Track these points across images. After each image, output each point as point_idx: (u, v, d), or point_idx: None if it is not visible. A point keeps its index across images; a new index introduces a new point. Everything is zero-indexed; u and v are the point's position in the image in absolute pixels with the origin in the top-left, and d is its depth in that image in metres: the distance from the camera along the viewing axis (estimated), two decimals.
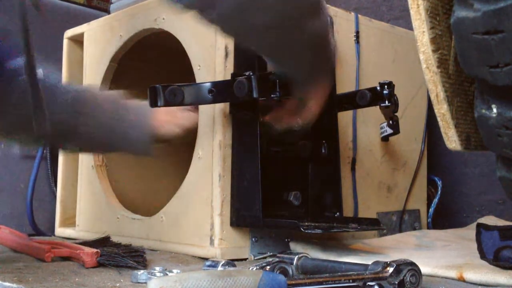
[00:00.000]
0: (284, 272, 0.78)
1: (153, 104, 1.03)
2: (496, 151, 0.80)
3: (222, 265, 0.77)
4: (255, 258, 1.11)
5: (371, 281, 0.71)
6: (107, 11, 1.64)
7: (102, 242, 1.15)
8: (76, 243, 1.12)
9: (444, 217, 1.63)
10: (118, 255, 0.99)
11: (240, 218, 1.09)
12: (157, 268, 0.77)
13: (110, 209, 1.36)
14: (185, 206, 1.16)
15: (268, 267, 0.78)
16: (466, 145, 0.83)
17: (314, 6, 0.75)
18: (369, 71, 1.36)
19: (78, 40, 1.55)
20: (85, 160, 1.43)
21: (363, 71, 1.35)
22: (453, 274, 0.89)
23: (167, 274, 0.79)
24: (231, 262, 0.78)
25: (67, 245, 1.08)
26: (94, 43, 1.47)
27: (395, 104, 1.16)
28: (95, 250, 1.00)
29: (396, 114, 1.22)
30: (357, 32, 1.34)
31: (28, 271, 0.92)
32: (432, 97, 0.81)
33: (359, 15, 1.36)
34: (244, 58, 1.09)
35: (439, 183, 1.58)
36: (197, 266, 1.02)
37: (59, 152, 1.24)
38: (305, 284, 0.67)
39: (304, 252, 0.89)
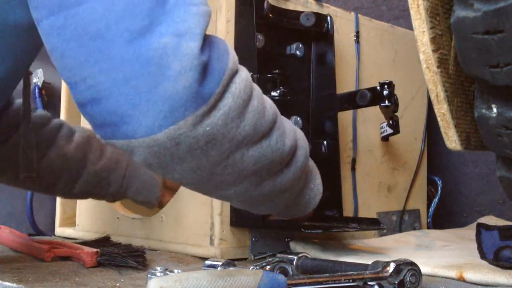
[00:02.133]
0: (284, 272, 0.78)
1: None
2: (496, 151, 0.80)
3: (222, 264, 0.77)
4: (255, 258, 1.11)
5: (371, 281, 0.71)
6: None
7: (102, 242, 1.15)
8: (76, 243, 1.12)
9: (444, 217, 1.63)
10: (118, 255, 0.99)
11: (240, 218, 1.09)
12: (158, 268, 0.77)
13: (110, 209, 1.36)
14: (185, 206, 1.16)
15: (268, 267, 0.78)
16: (466, 145, 0.83)
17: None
18: (369, 71, 1.36)
19: None
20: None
21: (363, 71, 1.35)
22: (453, 274, 0.89)
23: (167, 274, 0.79)
24: (231, 262, 0.78)
25: (67, 245, 1.08)
26: None
27: (395, 104, 1.16)
28: (95, 250, 1.00)
29: (396, 114, 1.22)
30: (357, 32, 1.34)
31: (28, 270, 0.92)
32: (432, 97, 0.81)
33: (359, 15, 1.36)
34: (245, 59, 1.09)
35: (439, 183, 1.58)
36: (197, 266, 1.02)
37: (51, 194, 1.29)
38: (305, 284, 0.67)
39: (304, 252, 0.89)
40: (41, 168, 1.07)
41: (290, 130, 0.81)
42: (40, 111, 1.13)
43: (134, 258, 0.99)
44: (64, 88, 1.54)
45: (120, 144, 0.67)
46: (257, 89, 0.74)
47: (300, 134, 0.86)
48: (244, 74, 0.71)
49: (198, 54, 0.64)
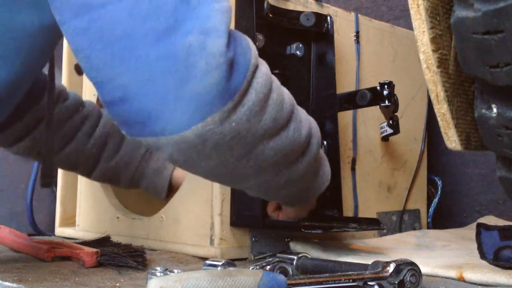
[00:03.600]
0: (284, 272, 0.78)
1: None
2: (496, 151, 0.80)
3: (222, 264, 0.77)
4: (255, 258, 1.11)
5: (371, 281, 0.71)
6: None
7: (102, 242, 1.15)
8: (76, 243, 1.12)
9: (444, 217, 1.63)
10: (118, 255, 0.99)
11: (240, 217, 1.09)
12: (158, 268, 0.77)
13: (110, 209, 1.36)
14: (185, 206, 1.16)
15: (268, 267, 0.78)
16: (466, 145, 0.83)
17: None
18: (369, 71, 1.36)
19: None
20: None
21: (363, 71, 1.35)
22: (453, 274, 0.89)
23: (167, 274, 0.79)
24: (231, 262, 0.78)
25: (67, 245, 1.08)
26: None
27: (395, 104, 1.16)
28: (95, 250, 1.00)
29: (396, 114, 1.22)
30: (357, 32, 1.34)
31: (28, 270, 0.92)
32: (432, 97, 0.81)
33: (359, 15, 1.36)
34: None
35: (439, 183, 1.58)
36: (197, 266, 1.02)
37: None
38: (305, 284, 0.67)
39: (304, 252, 0.89)
40: (57, 160, 1.10)
41: (306, 119, 0.82)
42: (74, 94, 1.15)
43: (134, 258, 0.98)
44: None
45: (147, 141, 0.67)
46: (275, 81, 0.75)
47: (314, 123, 0.87)
48: (264, 68, 0.72)
49: (224, 51, 0.64)
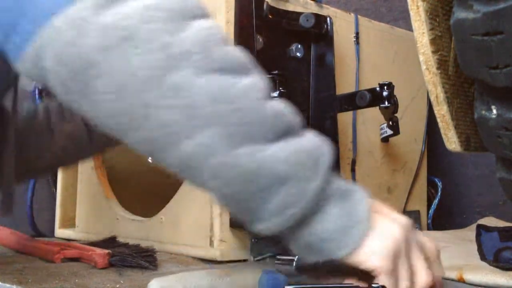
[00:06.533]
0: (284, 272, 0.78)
1: None
2: (496, 152, 0.80)
3: None
4: (255, 259, 1.11)
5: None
6: None
7: (110, 243, 1.14)
8: (83, 243, 1.12)
9: (444, 218, 1.63)
10: (129, 256, 0.98)
11: (240, 219, 1.09)
12: None
13: (110, 210, 1.36)
14: (185, 207, 1.16)
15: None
16: (466, 146, 0.83)
17: None
18: (369, 72, 1.36)
19: None
20: (85, 162, 1.43)
21: (363, 72, 1.35)
22: (453, 275, 0.89)
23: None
24: None
25: (76, 246, 1.07)
26: None
27: (394, 105, 1.16)
28: (106, 251, 0.99)
29: (396, 115, 1.22)
30: (357, 33, 1.34)
31: (28, 272, 0.92)
32: (432, 98, 0.81)
33: (359, 16, 1.36)
34: None
35: (439, 184, 1.58)
36: (197, 267, 1.02)
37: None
38: (306, 284, 0.67)
39: None
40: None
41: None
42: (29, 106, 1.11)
43: (145, 258, 0.98)
44: None
45: (29, 57, 0.54)
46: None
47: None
48: None
49: None
